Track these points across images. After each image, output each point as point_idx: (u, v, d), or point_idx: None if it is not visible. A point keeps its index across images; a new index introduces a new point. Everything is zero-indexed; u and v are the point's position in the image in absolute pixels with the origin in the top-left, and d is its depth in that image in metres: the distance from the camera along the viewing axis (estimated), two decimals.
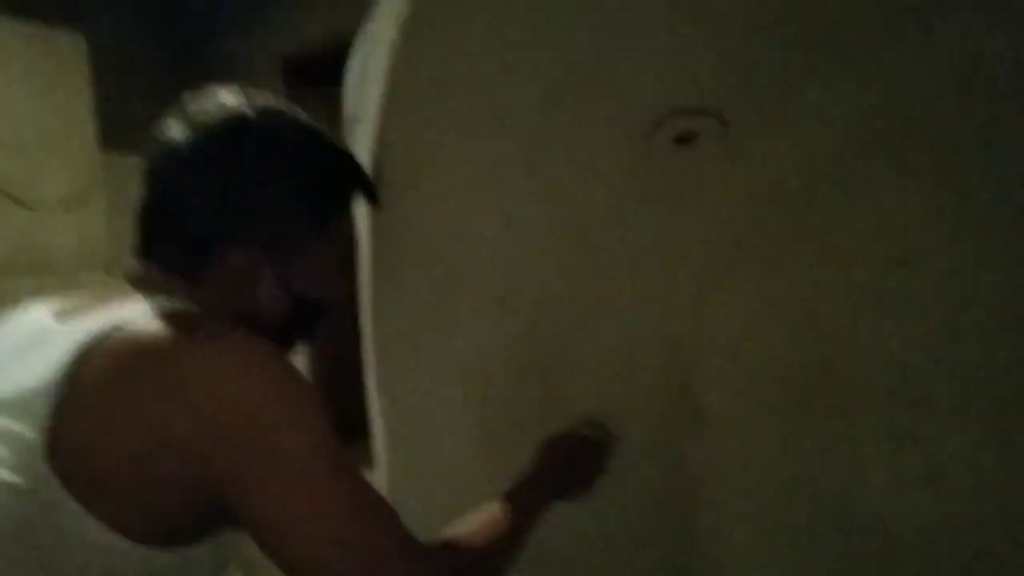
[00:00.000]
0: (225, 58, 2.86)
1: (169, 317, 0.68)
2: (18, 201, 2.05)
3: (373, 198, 0.89)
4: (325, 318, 0.86)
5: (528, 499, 0.88)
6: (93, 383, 0.64)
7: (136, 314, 0.68)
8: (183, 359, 0.65)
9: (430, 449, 1.14)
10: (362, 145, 0.98)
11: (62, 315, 0.74)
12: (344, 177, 0.84)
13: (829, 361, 1.10)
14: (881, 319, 1.05)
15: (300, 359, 2.61)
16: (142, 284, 0.75)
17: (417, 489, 1.14)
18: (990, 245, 0.97)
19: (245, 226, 0.76)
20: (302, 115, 0.82)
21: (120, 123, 2.48)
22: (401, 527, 0.70)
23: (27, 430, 0.65)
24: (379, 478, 1.18)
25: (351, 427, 2.77)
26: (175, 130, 0.76)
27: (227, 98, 0.78)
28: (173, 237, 0.76)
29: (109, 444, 0.64)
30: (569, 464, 0.99)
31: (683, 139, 0.91)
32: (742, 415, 1.17)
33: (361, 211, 1.02)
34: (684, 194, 1.01)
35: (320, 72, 2.63)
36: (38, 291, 0.85)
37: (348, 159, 0.85)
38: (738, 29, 0.81)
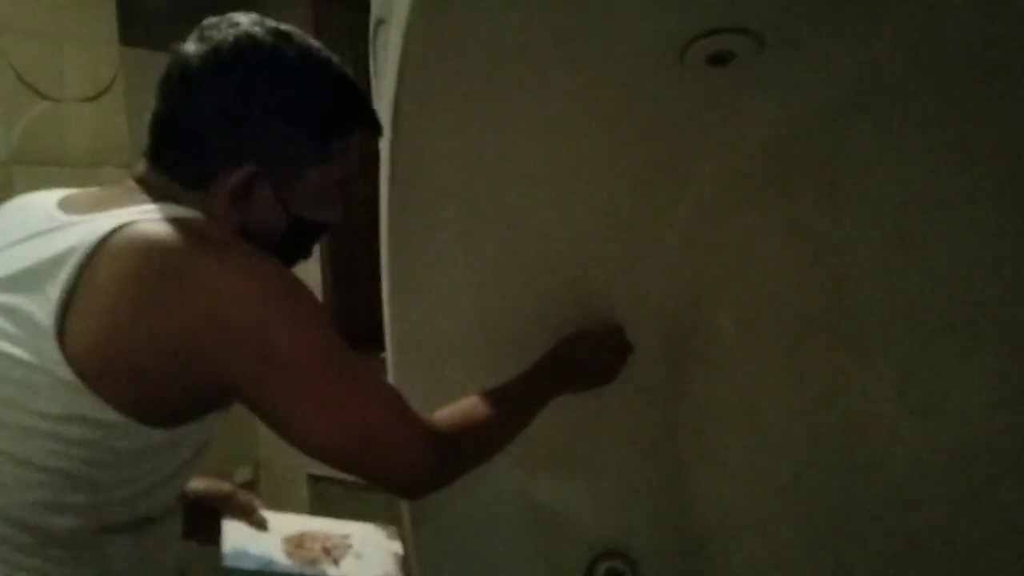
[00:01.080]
0: None
1: (177, 221, 0.73)
2: (38, 92, 2.03)
3: (376, 130, 0.90)
4: (321, 238, 0.90)
5: (536, 384, 0.97)
6: (103, 276, 0.69)
7: (145, 215, 0.73)
8: (190, 260, 0.70)
9: (439, 366, 1.15)
10: (388, 47, 0.96)
11: (69, 207, 0.78)
12: (348, 105, 0.86)
13: (839, 292, 1.10)
14: (893, 253, 1.05)
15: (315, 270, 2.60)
16: (150, 187, 0.79)
17: (424, 402, 1.15)
18: (1003, 185, 0.96)
19: (246, 143, 0.79)
20: (314, 43, 0.83)
21: (142, 18, 2.44)
22: (401, 406, 0.78)
23: (36, 309, 0.69)
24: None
25: (363, 336, 2.81)
26: (189, 44, 0.79)
27: (242, 19, 0.80)
28: (180, 146, 0.80)
29: (116, 333, 0.69)
30: (589, 357, 1.05)
31: (717, 59, 0.88)
32: (750, 343, 1.17)
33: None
34: (713, 117, 0.99)
35: None
36: (55, 183, 0.86)
37: (354, 88, 0.86)
38: None
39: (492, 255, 1.10)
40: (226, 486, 1.00)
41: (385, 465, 0.78)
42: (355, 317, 2.78)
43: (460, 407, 0.89)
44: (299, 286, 0.75)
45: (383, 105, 0.98)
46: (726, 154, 1.07)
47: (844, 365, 1.12)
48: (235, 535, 0.95)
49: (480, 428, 0.88)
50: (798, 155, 1.06)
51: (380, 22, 1.06)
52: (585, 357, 1.06)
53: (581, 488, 1.23)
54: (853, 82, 0.96)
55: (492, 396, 0.91)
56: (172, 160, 0.80)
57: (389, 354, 1.17)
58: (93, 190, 0.84)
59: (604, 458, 1.23)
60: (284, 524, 1.00)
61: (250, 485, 2.64)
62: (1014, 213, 0.97)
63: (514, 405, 0.93)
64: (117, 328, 0.69)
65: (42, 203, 0.79)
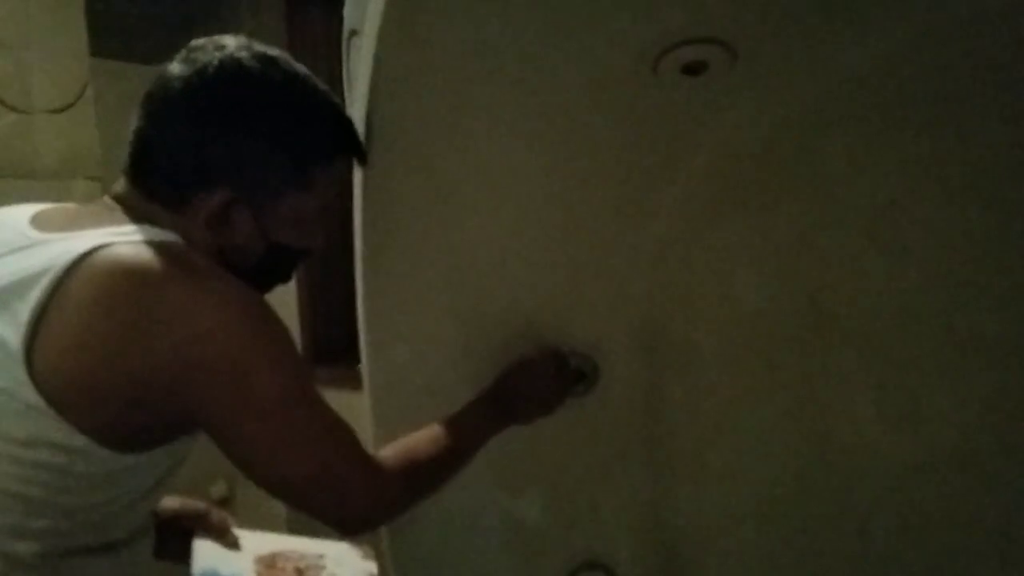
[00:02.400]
0: None
1: (154, 245, 0.71)
2: (5, 103, 2.00)
3: (361, 159, 0.90)
4: (301, 263, 0.90)
5: (477, 420, 0.98)
6: (76, 299, 0.68)
7: (122, 236, 0.72)
8: (166, 287, 0.69)
9: (414, 377, 1.14)
10: (361, 58, 0.95)
11: (42, 224, 0.76)
12: (332, 133, 0.85)
13: (816, 302, 1.11)
14: (872, 261, 1.06)
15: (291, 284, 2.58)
16: (128, 206, 0.78)
17: (401, 411, 1.14)
18: (983, 192, 0.97)
19: (227, 167, 0.78)
20: (301, 69, 0.83)
21: (111, 29, 2.41)
22: (356, 448, 0.80)
23: (4, 330, 0.68)
24: (365, 400, 1.18)
25: (338, 347, 2.78)
26: (175, 65, 0.78)
27: (228, 43, 0.79)
28: (160, 167, 0.79)
29: (85, 358, 0.68)
30: (526, 389, 1.05)
31: (691, 69, 0.88)
32: (728, 352, 1.18)
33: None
34: (688, 126, 1.00)
35: None
36: (25, 196, 0.85)
37: (338, 116, 0.86)
38: None
39: (466, 266, 1.09)
40: (200, 505, 0.99)
41: (332, 503, 0.79)
42: (330, 327, 2.76)
43: (405, 447, 0.89)
44: (273, 322, 0.75)
45: (355, 116, 0.97)
46: (701, 164, 1.07)
47: (821, 374, 1.13)
48: (206, 555, 0.93)
49: (423, 469, 0.89)
50: (773, 164, 1.07)
51: (353, 33, 1.06)
52: (523, 391, 1.05)
53: (560, 499, 1.23)
54: (827, 92, 0.97)
55: (436, 437, 0.92)
56: (151, 180, 0.79)
57: (364, 367, 1.17)
58: (68, 206, 0.82)
59: (583, 469, 1.22)
60: (257, 543, 0.98)
61: (225, 501, 2.61)
62: (990, 219, 0.98)
63: (457, 445, 0.93)
64: (87, 353, 0.68)
65: (14, 219, 0.78)
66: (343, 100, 1.05)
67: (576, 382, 1.14)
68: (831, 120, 0.99)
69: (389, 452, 0.87)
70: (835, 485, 1.14)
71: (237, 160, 0.78)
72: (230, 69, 0.77)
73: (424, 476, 0.89)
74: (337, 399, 1.38)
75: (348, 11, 1.09)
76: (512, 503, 1.20)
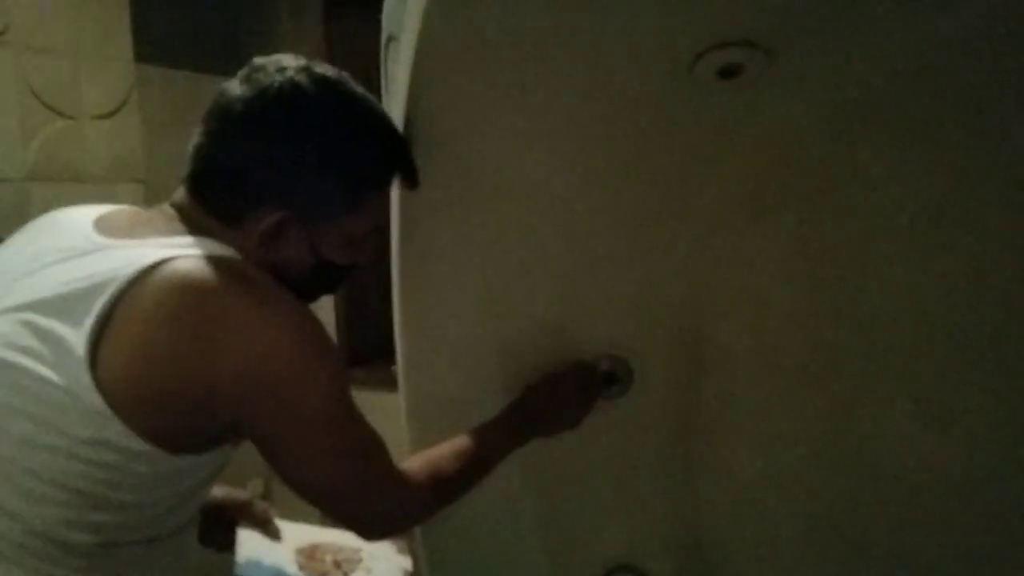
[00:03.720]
0: None
1: (215, 260, 0.74)
2: (54, 109, 2.06)
3: (414, 181, 0.92)
4: (349, 278, 0.93)
5: (501, 434, 1.01)
6: (139, 309, 0.71)
7: (185, 249, 0.75)
8: (226, 303, 0.73)
9: (448, 374, 1.15)
10: (399, 64, 0.97)
11: (105, 229, 0.79)
12: (387, 158, 0.88)
13: (851, 303, 1.10)
14: (906, 267, 1.04)
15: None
16: (186, 216, 0.81)
17: (434, 411, 1.15)
18: (1014, 193, 0.96)
19: (282, 188, 0.80)
20: (359, 89, 0.85)
21: (155, 35, 2.47)
22: (386, 459, 0.85)
23: (70, 334, 0.70)
24: (400, 401, 1.20)
25: (373, 349, 2.81)
26: (236, 85, 0.81)
27: (289, 63, 0.82)
28: (218, 183, 0.81)
29: (148, 367, 0.71)
30: (551, 405, 1.07)
31: (727, 72, 0.88)
32: (762, 355, 1.17)
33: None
34: (723, 128, 1.00)
35: None
36: (72, 199, 0.88)
37: (394, 140, 0.88)
38: None
39: (502, 270, 1.10)
40: (243, 495, 1.02)
41: (360, 511, 0.85)
42: (366, 329, 2.79)
43: (431, 460, 0.93)
44: (325, 340, 0.79)
45: (394, 120, 0.98)
46: (736, 166, 1.07)
47: (857, 379, 1.12)
48: (249, 545, 0.96)
49: (447, 481, 0.93)
50: (807, 166, 1.06)
51: (391, 39, 1.07)
52: (548, 407, 1.07)
53: (593, 501, 1.23)
54: (861, 94, 0.96)
55: (460, 450, 0.96)
56: (209, 195, 0.82)
57: (400, 369, 1.18)
58: (129, 211, 0.85)
59: (616, 471, 1.22)
60: (297, 535, 1.01)
61: (262, 497, 2.65)
62: None
63: (480, 458, 0.97)
64: (150, 362, 0.71)
65: (78, 222, 0.81)
66: (382, 105, 1.06)
67: (610, 385, 1.15)
68: (866, 122, 0.99)
69: (415, 464, 0.91)
70: (872, 491, 1.12)
71: (293, 182, 0.81)
72: (289, 92, 0.79)
73: (447, 488, 0.93)
74: (372, 399, 1.41)
75: (386, 17, 1.10)
76: (545, 504, 1.21)
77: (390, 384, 1.31)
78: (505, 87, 0.91)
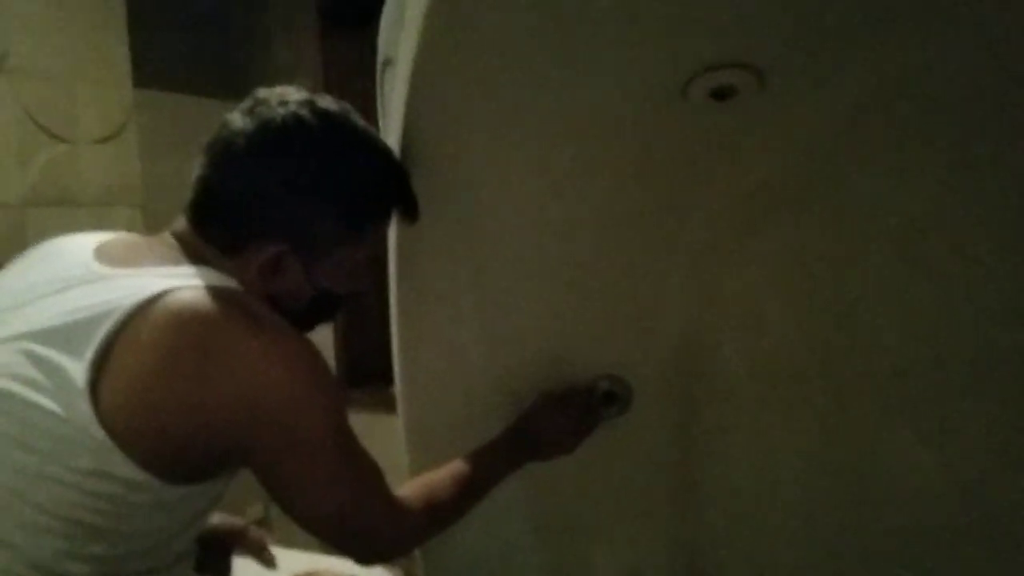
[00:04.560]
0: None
1: (216, 291, 0.75)
2: (51, 134, 2.07)
3: (413, 214, 0.92)
4: (346, 306, 0.94)
5: (497, 459, 1.01)
6: (140, 339, 0.71)
7: (186, 280, 0.75)
8: (227, 335, 0.73)
9: (447, 397, 1.15)
10: (395, 87, 0.98)
11: (106, 258, 0.79)
12: (387, 191, 0.89)
13: (848, 319, 1.10)
14: (901, 278, 1.05)
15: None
16: (186, 245, 0.82)
17: (433, 432, 1.15)
18: (1011, 203, 0.96)
19: (282, 222, 0.81)
20: (361, 123, 0.86)
21: (153, 60, 2.48)
22: (382, 487, 0.85)
23: (71, 365, 0.70)
24: (399, 424, 1.19)
25: (372, 370, 2.80)
26: (239, 117, 0.82)
27: (292, 96, 0.82)
28: (218, 215, 0.82)
29: (149, 397, 0.71)
30: (549, 430, 1.06)
31: (720, 94, 0.89)
32: (760, 373, 1.17)
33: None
34: (717, 148, 1.00)
35: (355, 13, 2.60)
36: (69, 224, 0.88)
37: (395, 173, 0.89)
38: None
39: (500, 292, 1.10)
40: (239, 522, 1.01)
41: (356, 538, 0.84)
42: (365, 350, 2.79)
43: (427, 486, 0.93)
44: (323, 370, 0.79)
45: (390, 143, 0.99)
46: (730, 185, 1.08)
47: (855, 395, 1.12)
48: (245, 572, 0.95)
49: (442, 508, 0.92)
50: (802, 185, 1.07)
51: (387, 62, 1.08)
52: (546, 431, 1.06)
53: (592, 522, 1.23)
54: (854, 112, 0.96)
55: (456, 476, 0.95)
56: (209, 225, 0.82)
57: (398, 393, 1.18)
58: (129, 239, 0.86)
59: (615, 491, 1.22)
60: (293, 562, 1.01)
61: (261, 521, 2.64)
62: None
63: (476, 483, 0.97)
64: (151, 393, 0.71)
65: (78, 250, 0.81)
66: (378, 129, 1.07)
67: (609, 405, 1.15)
68: (859, 139, 0.99)
69: (412, 490, 0.91)
70: (873, 507, 1.12)
71: (293, 216, 0.82)
72: (292, 126, 0.80)
73: (443, 513, 0.93)
74: (371, 421, 1.41)
75: (382, 41, 1.11)
76: (544, 524, 1.21)
77: (389, 406, 1.31)
78: (501, 111, 0.92)
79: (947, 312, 1.03)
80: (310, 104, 0.82)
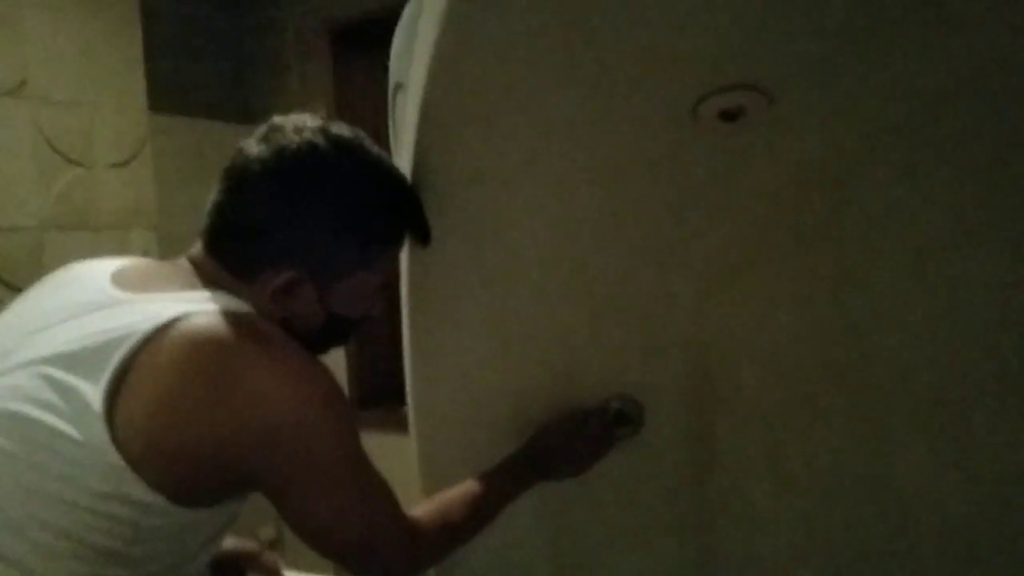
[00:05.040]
0: (274, 23, 2.88)
1: (231, 316, 0.76)
2: (68, 158, 2.10)
3: (426, 240, 0.94)
4: (359, 329, 0.95)
5: (509, 480, 1.01)
6: (156, 364, 0.72)
7: (201, 305, 0.76)
8: (242, 360, 0.74)
9: (460, 419, 1.15)
10: (407, 111, 0.99)
11: (123, 283, 0.80)
12: (400, 217, 0.90)
13: (861, 337, 1.09)
14: (914, 296, 1.04)
15: None
16: (201, 270, 0.83)
17: (445, 452, 1.15)
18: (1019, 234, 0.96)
19: (295, 248, 0.82)
20: (374, 150, 0.87)
21: (169, 85, 2.52)
22: (396, 509, 0.86)
23: (88, 389, 0.71)
24: (411, 443, 1.20)
25: (384, 389, 2.81)
26: (254, 144, 0.83)
27: (307, 124, 0.84)
28: (234, 240, 0.83)
29: (167, 423, 0.72)
30: (561, 451, 1.06)
31: (729, 115, 0.89)
32: (773, 392, 1.16)
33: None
34: (727, 168, 1.01)
35: (367, 38, 2.64)
36: (86, 247, 0.89)
37: (408, 199, 0.91)
38: (788, 2, 0.79)
39: (511, 313, 1.11)
40: (253, 545, 1.02)
41: (369, 562, 0.85)
42: (377, 371, 2.80)
43: (439, 507, 0.93)
44: (337, 394, 0.80)
45: (402, 166, 1.00)
46: (741, 205, 1.08)
47: (869, 414, 1.11)
48: None
49: (454, 529, 0.93)
50: (813, 204, 1.07)
51: (399, 87, 1.09)
52: (559, 453, 1.06)
53: (607, 542, 1.22)
54: (862, 132, 0.97)
55: (468, 496, 0.96)
56: (225, 250, 0.83)
57: (411, 413, 1.18)
58: (146, 264, 0.87)
59: (630, 511, 1.22)
60: None
61: (274, 543, 2.64)
62: None
63: (488, 504, 0.97)
64: (167, 417, 0.72)
65: (96, 275, 0.82)
66: (389, 153, 1.09)
67: (621, 424, 1.15)
68: (868, 160, 0.99)
69: (424, 511, 0.91)
70: (889, 527, 1.11)
71: (307, 243, 0.83)
72: (306, 154, 0.81)
73: (455, 534, 0.93)
74: (382, 441, 1.41)
75: (393, 65, 1.13)
76: (558, 545, 1.20)
77: (400, 426, 1.31)
78: (512, 133, 0.92)
79: (960, 328, 1.03)
80: (324, 132, 0.83)
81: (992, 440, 1.02)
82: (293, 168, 0.81)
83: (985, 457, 1.03)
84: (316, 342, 0.87)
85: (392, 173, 0.89)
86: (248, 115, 2.87)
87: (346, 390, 2.71)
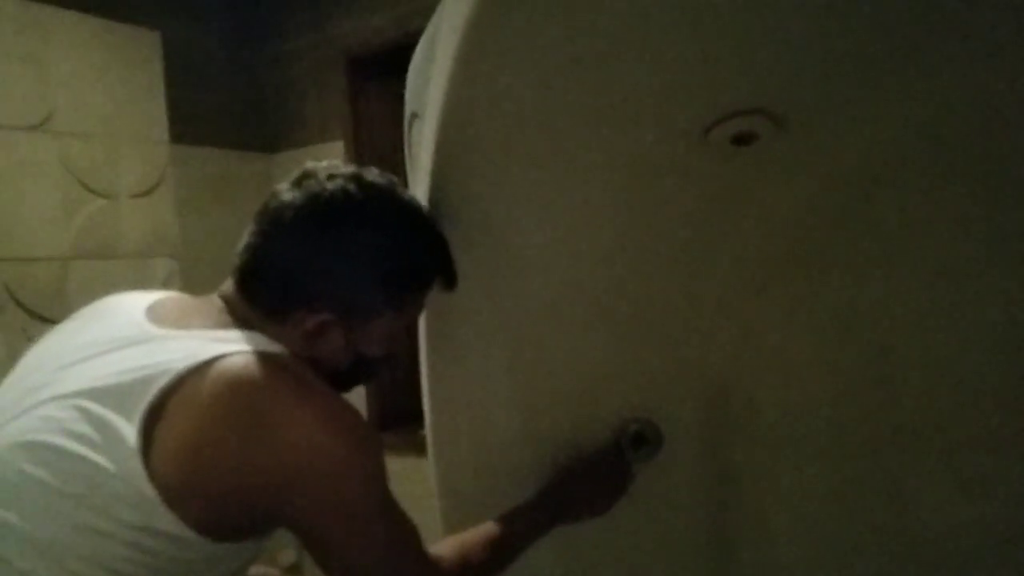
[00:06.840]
0: (291, 55, 2.93)
1: (265, 357, 0.78)
2: (92, 190, 2.14)
3: (453, 284, 0.96)
4: (383, 369, 0.96)
5: (530, 522, 1.01)
6: (192, 402, 0.74)
7: (236, 346, 0.78)
8: (275, 401, 0.76)
9: (478, 444, 1.16)
10: (423, 140, 1.00)
11: (157, 318, 0.83)
12: (432, 264, 0.92)
13: (880, 361, 1.08)
14: (932, 320, 1.03)
15: None
16: (233, 309, 0.85)
17: (463, 476, 1.15)
18: None
19: (327, 292, 0.84)
20: (406, 196, 0.89)
21: (190, 117, 2.57)
22: (419, 548, 0.86)
23: (123, 424, 0.73)
24: (429, 468, 1.20)
25: (403, 412, 2.81)
26: (288, 189, 0.85)
27: (339, 170, 0.86)
28: (265, 282, 0.85)
29: (201, 460, 0.73)
30: (583, 495, 1.07)
31: (740, 140, 0.90)
32: (791, 413, 1.16)
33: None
34: (739, 192, 1.01)
35: (383, 67, 2.67)
36: (110, 275, 0.91)
37: (437, 245, 0.92)
38: (798, 29, 0.80)
39: (529, 337, 1.11)
40: (273, 571, 1.02)
41: None
42: (395, 394, 2.81)
43: (461, 547, 0.94)
44: (369, 438, 0.81)
45: (418, 195, 1.01)
46: (754, 227, 1.08)
47: (889, 437, 1.10)
48: None
49: (476, 569, 0.93)
50: (826, 226, 1.06)
51: (414, 116, 1.11)
52: (582, 495, 1.07)
53: (626, 563, 1.22)
54: (877, 157, 0.97)
55: (489, 537, 0.96)
56: (256, 291, 0.85)
57: (428, 439, 1.19)
58: (180, 299, 0.89)
59: (649, 536, 1.21)
60: None
61: (294, 567, 2.64)
62: None
63: (508, 545, 0.98)
64: (200, 454, 0.73)
65: (130, 310, 0.84)
66: (405, 182, 1.10)
67: (639, 447, 1.15)
68: (882, 181, 0.99)
69: (446, 551, 0.92)
70: (909, 554, 1.10)
71: (338, 287, 0.84)
72: (339, 200, 0.84)
73: (474, 575, 0.93)
74: (402, 464, 1.41)
75: (409, 95, 1.15)
76: (575, 568, 1.20)
77: (419, 449, 1.32)
78: (527, 160, 0.93)
79: (983, 361, 1.02)
80: (357, 179, 0.85)
81: (1015, 477, 1.01)
82: (326, 214, 0.83)
83: (1009, 495, 1.02)
84: (342, 381, 0.89)
85: (424, 220, 0.91)
86: (266, 144, 2.92)
87: (365, 412, 2.72)
